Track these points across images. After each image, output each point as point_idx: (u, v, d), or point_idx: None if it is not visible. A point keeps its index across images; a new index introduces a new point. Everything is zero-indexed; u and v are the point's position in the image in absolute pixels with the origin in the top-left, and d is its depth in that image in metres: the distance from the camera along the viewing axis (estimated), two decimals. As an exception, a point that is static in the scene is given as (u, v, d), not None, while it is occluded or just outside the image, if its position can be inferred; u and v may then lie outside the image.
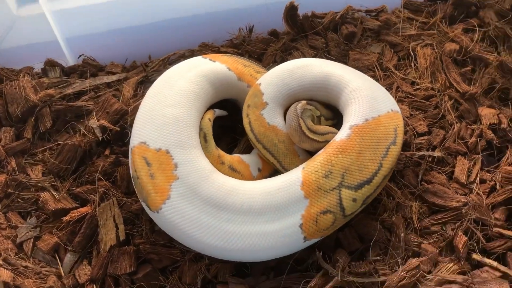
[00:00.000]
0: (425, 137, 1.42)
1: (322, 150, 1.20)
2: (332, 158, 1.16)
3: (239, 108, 1.46)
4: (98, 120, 1.37)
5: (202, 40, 1.59)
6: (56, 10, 1.43)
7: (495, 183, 1.33)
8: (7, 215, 1.29)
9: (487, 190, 1.32)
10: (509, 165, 1.35)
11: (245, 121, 1.30)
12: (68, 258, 1.24)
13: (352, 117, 1.23)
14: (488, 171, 1.37)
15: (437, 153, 1.39)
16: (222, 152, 1.28)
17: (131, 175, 1.19)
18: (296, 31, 1.61)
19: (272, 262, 1.22)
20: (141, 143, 1.18)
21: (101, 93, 1.47)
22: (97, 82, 1.49)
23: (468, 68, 1.53)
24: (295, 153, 1.27)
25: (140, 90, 1.49)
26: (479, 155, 1.39)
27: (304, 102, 1.28)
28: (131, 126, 1.37)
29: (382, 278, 1.19)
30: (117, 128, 1.35)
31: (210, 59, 1.38)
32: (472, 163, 1.38)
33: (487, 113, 1.44)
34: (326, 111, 1.35)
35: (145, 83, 1.51)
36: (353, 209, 1.16)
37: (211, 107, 1.35)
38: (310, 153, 1.27)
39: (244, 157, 1.31)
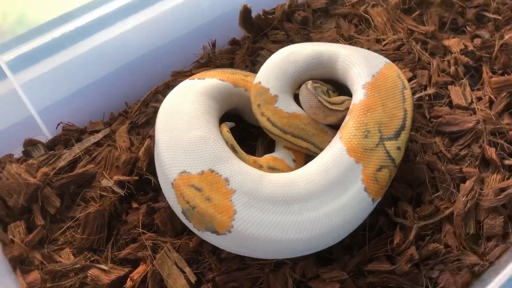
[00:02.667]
0: (414, 81, 1.51)
1: (348, 117, 1.22)
2: (363, 119, 1.19)
3: (241, 116, 1.44)
4: (111, 178, 1.27)
5: (171, 69, 1.55)
6: (24, 83, 1.31)
7: (490, 96, 1.45)
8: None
9: (487, 105, 1.43)
10: (492, 77, 1.48)
11: (263, 119, 1.28)
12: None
13: (360, 78, 1.27)
14: (478, 89, 1.49)
15: (430, 90, 1.48)
16: (255, 157, 1.25)
17: (181, 211, 1.12)
18: (255, 32, 1.64)
19: (346, 240, 1.20)
20: (181, 173, 1.11)
21: (95, 153, 1.37)
22: (86, 145, 1.39)
23: (417, 13, 1.66)
24: (323, 131, 1.28)
25: (134, 138, 1.40)
26: (464, 79, 1.50)
27: (311, 81, 1.30)
28: (148, 171, 1.29)
29: (448, 212, 1.23)
30: (136, 177, 1.27)
31: (198, 78, 1.35)
32: (462, 88, 1.48)
33: (452, 43, 1.57)
34: (330, 86, 1.37)
35: (135, 128, 1.43)
36: (400, 157, 1.18)
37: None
38: (335, 128, 1.28)
39: (275, 154, 1.29)
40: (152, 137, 1.34)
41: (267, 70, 1.33)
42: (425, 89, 1.49)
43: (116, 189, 1.25)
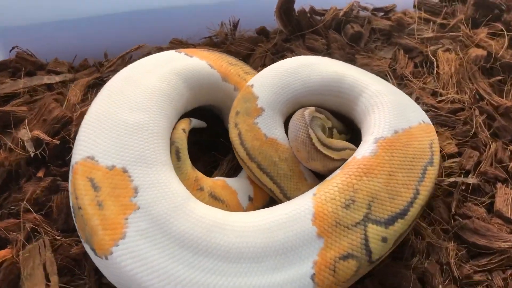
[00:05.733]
0: (456, 160, 1.13)
1: (338, 171, 0.89)
2: (354, 182, 0.85)
3: (222, 118, 1.13)
4: (31, 131, 1.01)
5: (173, 36, 1.26)
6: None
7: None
8: None
9: (540, 229, 1.03)
10: (561, 196, 1.07)
11: (233, 132, 0.97)
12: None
13: (377, 128, 0.93)
14: (536, 204, 1.08)
15: (472, 180, 1.10)
16: (200, 174, 0.94)
17: (71, 204, 0.84)
18: (291, 29, 1.33)
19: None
20: (87, 158, 0.83)
21: (38, 96, 1.12)
22: (35, 82, 1.14)
23: (498, 77, 1.27)
24: (301, 176, 0.95)
25: (91, 94, 1.14)
26: (524, 183, 1.10)
27: (312, 108, 0.97)
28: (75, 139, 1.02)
29: None
30: (57, 141, 1.01)
31: (186, 54, 1.06)
32: (515, 192, 1.09)
33: (528, 132, 1.17)
34: (339, 124, 1.04)
35: (99, 85, 1.16)
36: (382, 252, 0.84)
37: (186, 115, 1.02)
38: (320, 177, 0.95)
39: (230, 181, 0.98)
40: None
41: (267, 75, 1.02)
42: (466, 175, 1.11)
43: (28, 146, 0.99)
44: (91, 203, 0.80)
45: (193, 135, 1.07)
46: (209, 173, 1.04)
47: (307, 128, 0.92)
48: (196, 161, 1.09)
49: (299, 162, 0.95)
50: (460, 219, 1.05)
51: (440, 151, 1.14)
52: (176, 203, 0.82)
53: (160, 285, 0.76)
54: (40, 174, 1.00)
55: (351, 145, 0.97)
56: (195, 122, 1.02)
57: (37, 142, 1.01)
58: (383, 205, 0.85)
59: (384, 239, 0.84)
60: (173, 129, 0.95)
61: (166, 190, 0.83)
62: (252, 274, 0.79)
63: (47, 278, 0.88)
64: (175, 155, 0.92)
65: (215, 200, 0.92)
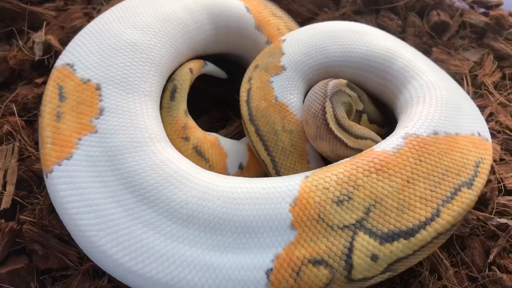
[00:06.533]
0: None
1: (345, 160, 0.71)
2: (360, 177, 0.68)
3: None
4: (45, 35, 0.94)
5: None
6: None
7: None
8: None
9: None
10: None
11: (243, 87, 0.83)
12: None
13: (414, 123, 0.74)
14: None
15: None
16: (192, 123, 0.81)
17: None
18: (366, 1, 1.13)
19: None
20: (66, 65, 0.74)
21: (72, 6, 1.05)
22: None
23: None
24: (303, 156, 0.78)
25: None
26: None
27: (343, 81, 0.79)
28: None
29: None
30: (65, 50, 0.92)
31: (228, -12, 0.92)
32: None
33: None
34: (375, 111, 0.85)
35: None
36: (367, 272, 0.66)
37: (207, 60, 0.89)
38: (327, 163, 0.78)
39: (225, 141, 0.83)
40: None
41: (304, 32, 0.87)
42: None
43: (37, 49, 0.94)
44: (51, 112, 0.71)
45: (209, 84, 0.95)
46: (213, 130, 0.91)
47: (324, 99, 0.74)
48: (204, 114, 0.96)
49: (306, 140, 0.78)
50: (497, 271, 0.82)
51: (498, 183, 0.91)
52: (139, 139, 0.70)
53: (90, 222, 0.65)
54: (39, 80, 0.93)
55: (378, 137, 0.78)
56: (212, 68, 0.89)
57: (48, 48, 0.94)
58: (386, 214, 0.67)
59: (374, 257, 0.65)
60: (180, 66, 0.83)
61: (134, 122, 0.71)
62: (197, 245, 0.65)
63: (4, 186, 0.81)
64: (170, 93, 0.80)
65: (198, 155, 0.79)
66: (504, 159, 0.94)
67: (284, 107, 0.79)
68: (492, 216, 0.88)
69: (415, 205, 0.68)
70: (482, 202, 0.90)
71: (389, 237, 0.66)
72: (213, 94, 0.97)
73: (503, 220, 0.87)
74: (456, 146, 0.73)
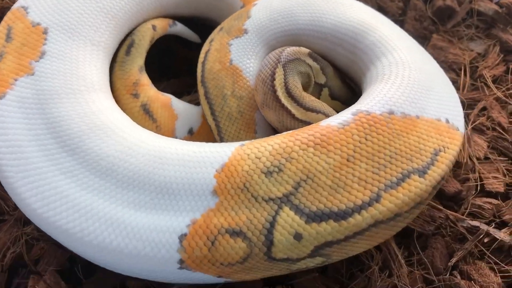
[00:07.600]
0: (495, 202, 0.81)
1: (287, 133, 0.66)
2: (295, 149, 0.62)
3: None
4: None
5: None
6: None
7: None
8: None
9: None
10: None
11: (203, 49, 0.79)
12: None
13: (369, 100, 0.67)
14: None
15: (503, 236, 0.77)
16: (145, 81, 0.78)
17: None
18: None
19: None
20: (21, 7, 0.74)
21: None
22: None
23: None
24: (250, 125, 0.74)
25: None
26: None
27: (304, 50, 0.74)
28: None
29: None
30: None
31: None
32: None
33: None
34: (340, 86, 0.79)
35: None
36: (289, 252, 0.61)
37: (176, 19, 0.86)
38: (274, 131, 0.73)
39: (177, 103, 0.80)
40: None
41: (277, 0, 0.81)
42: (500, 227, 0.79)
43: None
44: (-3, 46, 0.70)
45: (183, 47, 0.91)
46: (179, 96, 0.87)
47: (276, 65, 0.69)
48: (175, 78, 0.93)
49: (256, 108, 0.74)
50: (457, 277, 0.74)
51: (477, 182, 0.82)
52: (73, 86, 0.68)
53: (9, 162, 0.64)
54: None
55: (333, 113, 0.72)
56: (182, 29, 0.86)
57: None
58: (317, 192, 0.61)
59: (298, 236, 0.60)
60: (142, 23, 0.80)
61: (73, 69, 0.69)
62: (112, 200, 0.62)
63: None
64: (127, 47, 0.78)
65: (146, 114, 0.76)
66: (489, 158, 0.85)
67: (238, 71, 0.74)
68: (464, 217, 0.80)
69: (352, 185, 0.62)
70: (455, 201, 0.82)
71: (317, 216, 0.61)
72: (189, 59, 0.93)
73: (474, 223, 0.79)
74: (414, 129, 0.66)
